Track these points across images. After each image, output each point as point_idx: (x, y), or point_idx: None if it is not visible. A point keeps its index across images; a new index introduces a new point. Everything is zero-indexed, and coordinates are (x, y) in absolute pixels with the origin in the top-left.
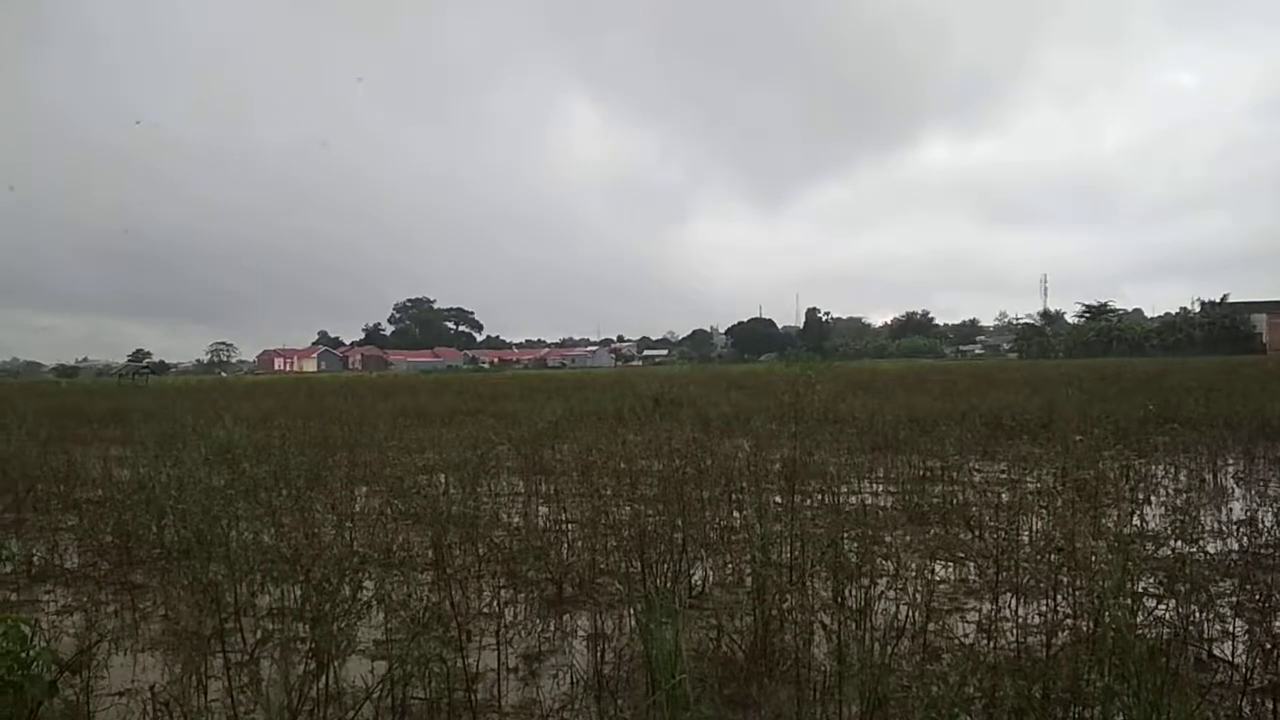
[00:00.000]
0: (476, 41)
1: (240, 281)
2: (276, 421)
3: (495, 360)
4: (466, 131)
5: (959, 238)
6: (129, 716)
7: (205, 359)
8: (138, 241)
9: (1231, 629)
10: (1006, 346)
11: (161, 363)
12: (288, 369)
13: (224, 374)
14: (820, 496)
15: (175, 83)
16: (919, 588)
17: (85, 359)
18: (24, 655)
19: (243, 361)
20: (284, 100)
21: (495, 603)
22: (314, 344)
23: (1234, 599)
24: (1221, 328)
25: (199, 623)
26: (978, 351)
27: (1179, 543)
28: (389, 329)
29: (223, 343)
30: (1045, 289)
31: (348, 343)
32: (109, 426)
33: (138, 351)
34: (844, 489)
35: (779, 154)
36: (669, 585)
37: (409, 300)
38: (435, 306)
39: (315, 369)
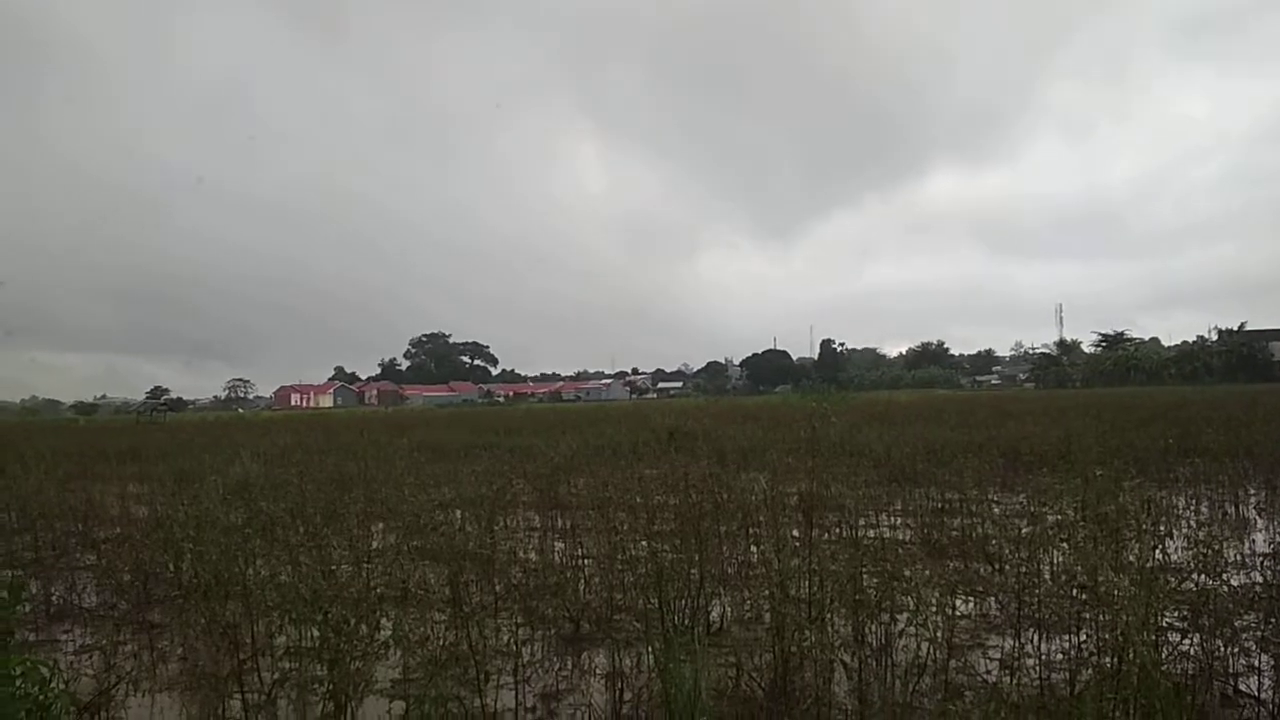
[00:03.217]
0: (488, 80)
1: (257, 318)
2: (293, 458)
3: (511, 394)
4: (480, 168)
5: (972, 268)
6: None
7: (222, 395)
8: (154, 279)
9: (1257, 663)
10: (1023, 377)
11: (179, 399)
12: (304, 405)
13: (241, 410)
14: (838, 530)
15: (191, 121)
16: (940, 624)
17: (104, 396)
18: (42, 698)
19: (259, 397)
20: (299, 138)
21: (513, 641)
22: (330, 379)
23: (1259, 633)
24: (1239, 356)
25: (216, 663)
26: (994, 382)
27: (1202, 576)
28: (405, 364)
29: (240, 379)
30: (1060, 319)
31: (364, 378)
32: (127, 464)
33: (155, 388)
34: (862, 522)
35: (791, 187)
36: (687, 622)
37: (424, 335)
38: (451, 341)
39: (332, 404)
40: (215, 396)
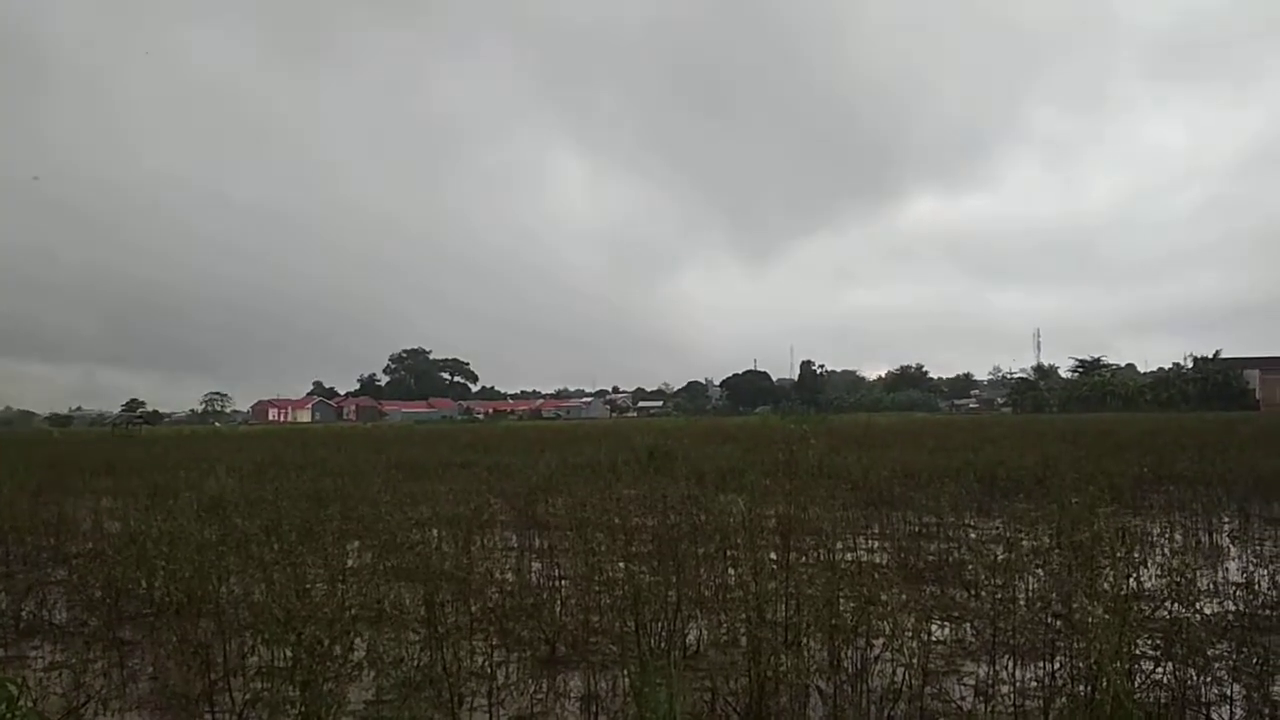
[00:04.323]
0: (471, 100)
1: (235, 332)
2: (269, 474)
3: (490, 411)
4: (463, 186)
5: (952, 292)
6: None
7: (199, 409)
8: (132, 291)
9: (1229, 693)
10: (1000, 401)
11: (155, 412)
12: (282, 419)
13: (218, 424)
14: (816, 553)
15: (170, 136)
16: (915, 649)
17: (79, 408)
18: (10, 716)
19: (237, 411)
20: (281, 152)
21: (487, 664)
22: (309, 394)
23: (1232, 661)
24: (1214, 383)
25: (187, 683)
26: (972, 405)
27: (1175, 605)
28: (384, 379)
29: (217, 393)
30: (1038, 344)
31: (342, 393)
32: (101, 477)
33: (131, 401)
34: (839, 545)
35: (773, 209)
36: (663, 645)
37: (404, 351)
38: (431, 357)
39: (310, 419)
40: (192, 410)
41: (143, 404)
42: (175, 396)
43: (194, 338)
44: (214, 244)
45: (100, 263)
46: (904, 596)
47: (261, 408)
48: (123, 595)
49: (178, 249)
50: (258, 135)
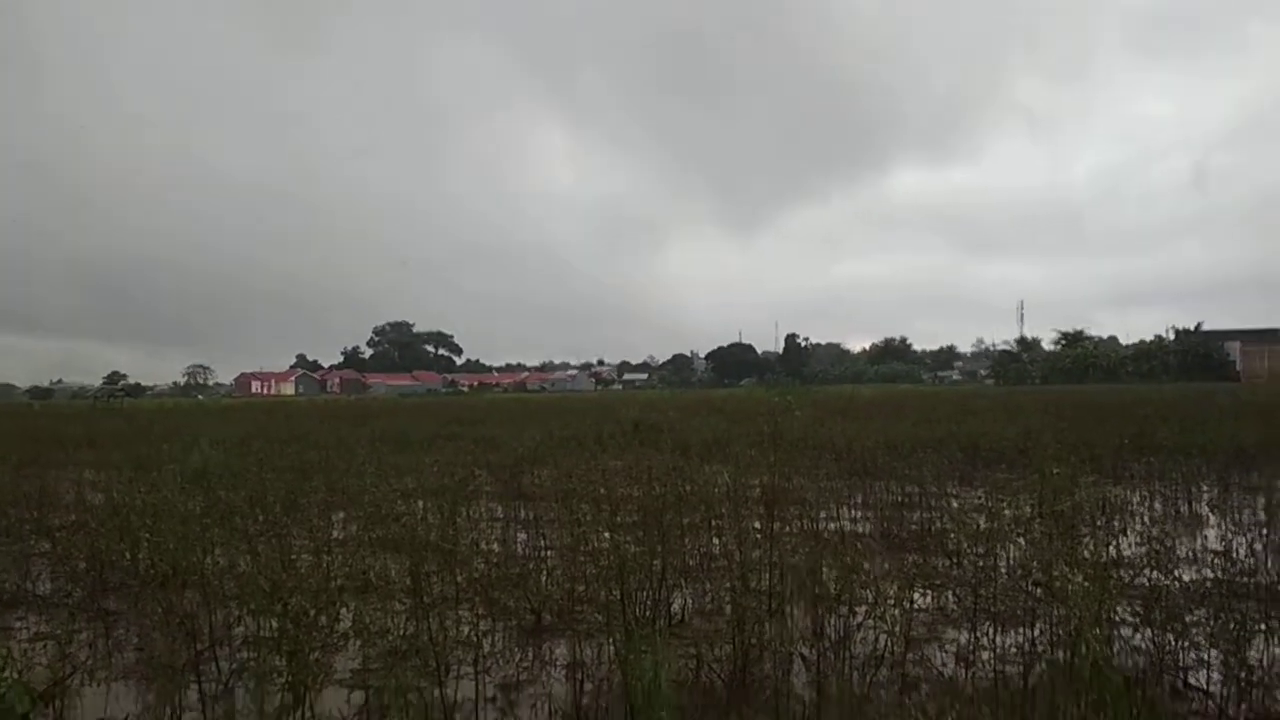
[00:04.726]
0: (458, 74)
1: (217, 304)
2: (253, 446)
3: (475, 384)
4: (449, 159)
5: (936, 265)
6: None
7: (182, 382)
8: (114, 263)
9: (1207, 658)
10: (984, 373)
11: (137, 385)
12: (265, 392)
13: (200, 397)
14: (799, 523)
15: (153, 106)
16: (897, 617)
17: (60, 381)
18: None
19: (219, 384)
20: (267, 125)
21: (474, 633)
22: (292, 367)
23: (1209, 628)
24: (1196, 355)
25: (173, 653)
26: (955, 377)
27: (1154, 572)
28: (368, 352)
29: (199, 365)
30: (1021, 316)
31: (326, 366)
32: (83, 450)
33: (113, 374)
34: (823, 515)
35: (758, 182)
36: (648, 614)
37: (388, 324)
38: (415, 330)
39: (293, 392)
40: (174, 383)
41: (124, 377)
42: (157, 369)
43: (176, 310)
44: (196, 217)
45: (81, 236)
46: (886, 565)
47: (244, 380)
48: (107, 567)
49: (160, 222)
50: (243, 109)
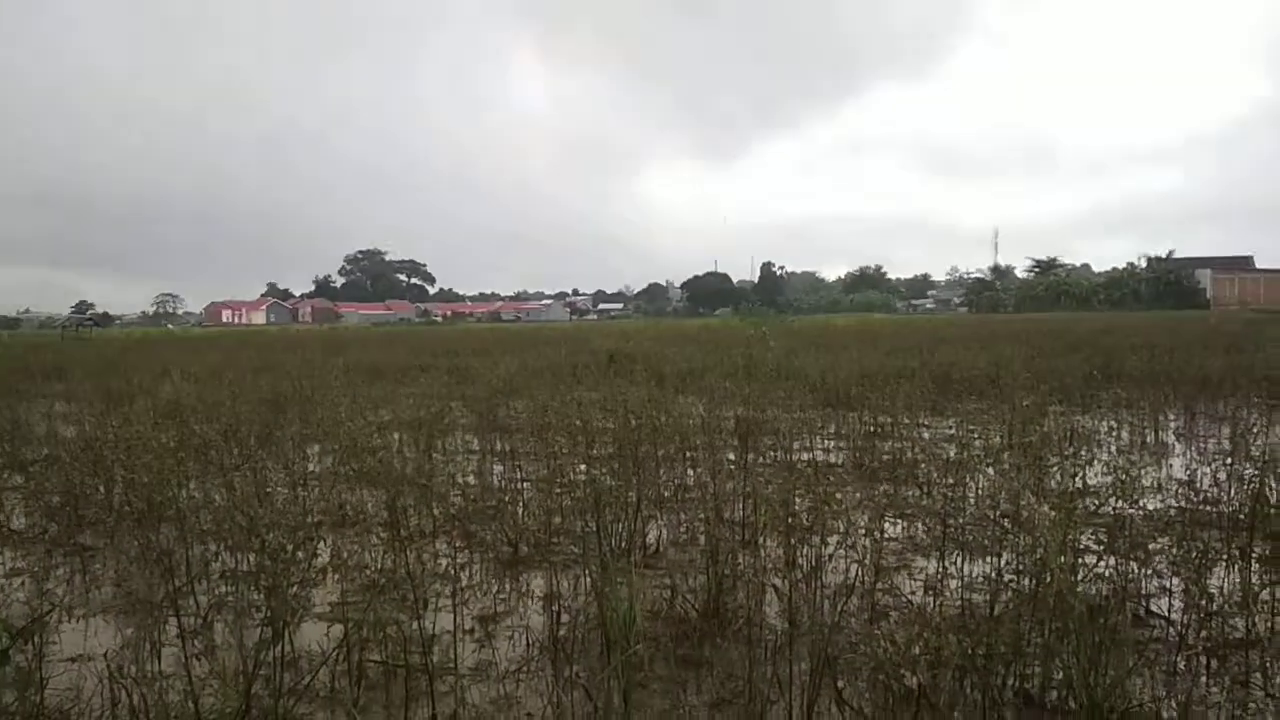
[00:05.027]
0: None
1: (186, 232)
2: (225, 377)
3: (449, 313)
4: (419, 85)
5: (912, 192)
6: (82, 683)
7: (151, 311)
8: (80, 189)
9: (1169, 585)
10: (957, 301)
11: (105, 314)
12: (236, 321)
13: (170, 326)
14: (773, 454)
15: (119, 31)
16: (868, 547)
17: (27, 310)
18: None
19: (189, 313)
20: (228, 46)
21: (451, 565)
22: (263, 296)
23: (1172, 555)
24: (1166, 283)
25: (150, 588)
26: (929, 306)
27: (1119, 502)
28: (339, 281)
29: (168, 294)
30: (996, 244)
31: (297, 295)
32: (52, 381)
33: (80, 303)
34: (796, 445)
35: (733, 108)
36: (624, 545)
37: (360, 252)
38: (387, 259)
39: (264, 321)
40: (143, 312)
41: (92, 306)
42: (125, 298)
43: (144, 239)
44: (159, 143)
45: (44, 163)
46: (858, 495)
47: (215, 310)
48: (81, 501)
49: (121, 149)
50: (203, 29)
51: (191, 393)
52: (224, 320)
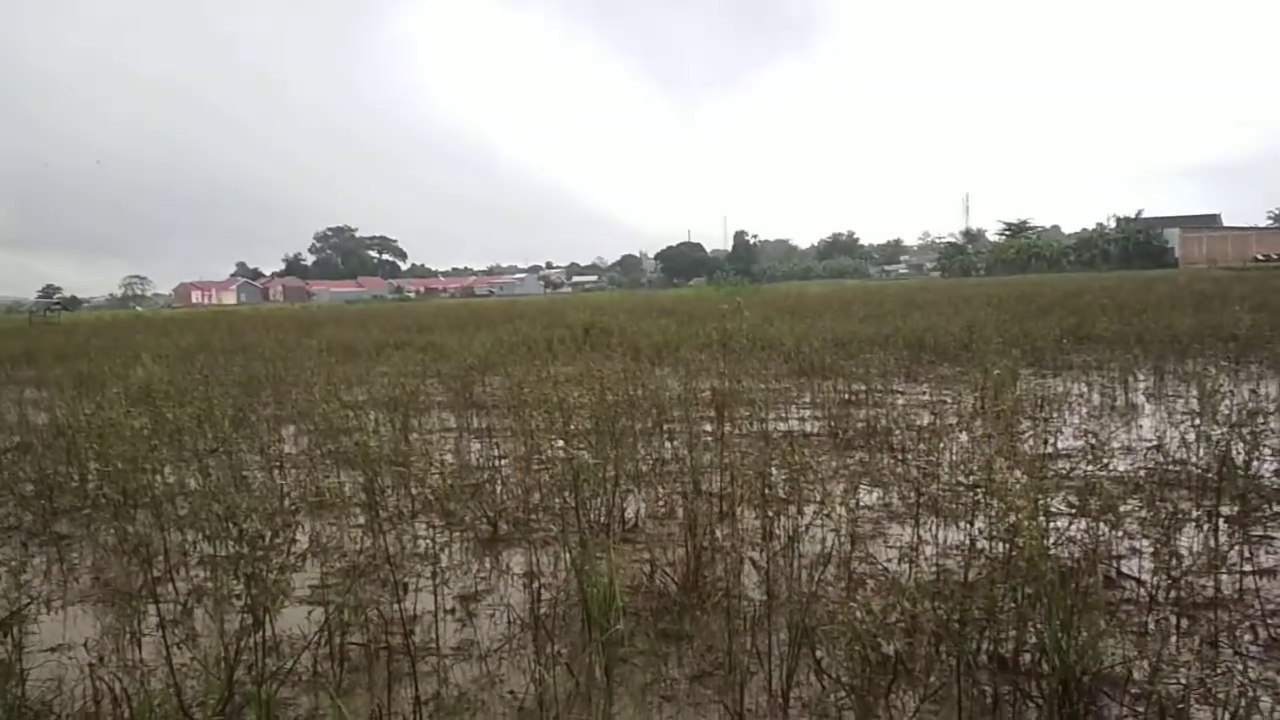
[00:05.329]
0: None
1: (153, 213)
2: (197, 359)
3: (422, 289)
4: (386, 57)
5: (884, 157)
6: (64, 673)
7: (119, 293)
8: (43, 172)
9: (1139, 546)
10: (930, 266)
11: (73, 298)
12: (206, 302)
13: (139, 308)
14: (749, 424)
15: (80, 6)
16: (843, 515)
17: None
18: None
19: (158, 295)
20: (193, 21)
21: (431, 544)
22: (232, 276)
23: (1142, 516)
24: (1136, 243)
25: (128, 577)
26: (902, 271)
27: (1090, 466)
28: (310, 259)
29: (136, 276)
30: (967, 208)
31: (268, 274)
32: (22, 367)
33: (48, 287)
34: (772, 416)
35: (704, 76)
36: (603, 520)
37: (330, 229)
38: (357, 235)
39: (235, 301)
40: (111, 295)
41: (59, 289)
42: (92, 281)
43: (110, 221)
44: (122, 121)
45: (6, 145)
46: (834, 464)
47: (184, 290)
48: (56, 490)
49: (84, 127)
50: (173, 5)
51: (163, 376)
52: (194, 301)
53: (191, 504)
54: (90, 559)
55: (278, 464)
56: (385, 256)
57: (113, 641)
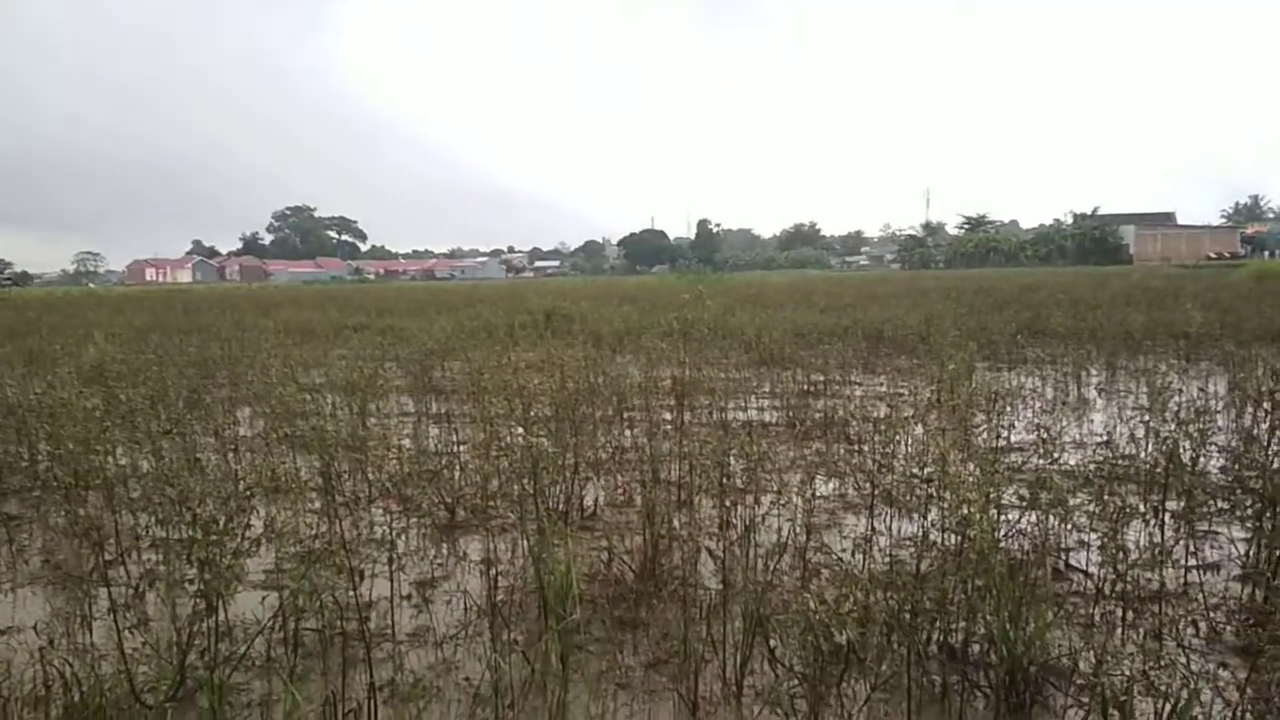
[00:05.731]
0: None
1: (106, 188)
2: (151, 339)
3: (381, 271)
4: (345, 36)
5: (847, 148)
6: (12, 656)
7: (71, 269)
8: None
9: (1087, 539)
10: (890, 257)
11: (24, 274)
12: (160, 280)
13: (91, 285)
14: (709, 414)
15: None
16: (800, 506)
17: None
18: None
19: (111, 272)
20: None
21: (387, 530)
22: (188, 253)
23: (1091, 509)
24: (1092, 239)
25: (79, 559)
26: (863, 262)
27: (1041, 460)
28: (268, 239)
29: (89, 252)
30: (928, 201)
31: (224, 252)
32: None
33: None
34: (731, 405)
35: (669, 59)
36: (561, 507)
37: (288, 209)
38: (316, 215)
39: (190, 280)
40: (63, 270)
41: (10, 265)
42: (44, 257)
43: (62, 196)
44: (77, 96)
45: None
46: (791, 454)
47: (138, 268)
48: (4, 470)
49: (39, 102)
50: None
51: (116, 355)
52: (147, 279)
53: (144, 486)
54: (40, 541)
55: (233, 447)
56: (345, 237)
57: (63, 625)
